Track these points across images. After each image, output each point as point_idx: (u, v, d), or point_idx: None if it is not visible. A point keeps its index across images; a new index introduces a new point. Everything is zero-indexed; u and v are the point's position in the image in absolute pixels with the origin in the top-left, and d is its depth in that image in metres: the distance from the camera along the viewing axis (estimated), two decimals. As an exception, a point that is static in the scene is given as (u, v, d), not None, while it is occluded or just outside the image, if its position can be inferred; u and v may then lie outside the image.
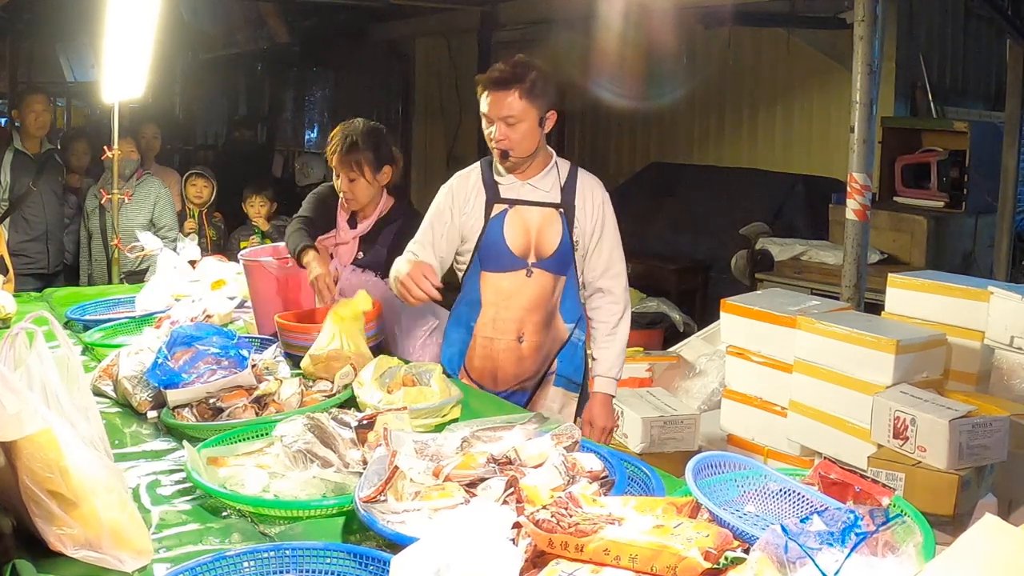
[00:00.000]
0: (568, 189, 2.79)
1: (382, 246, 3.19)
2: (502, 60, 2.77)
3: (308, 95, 11.64)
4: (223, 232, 5.91)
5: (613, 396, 2.89)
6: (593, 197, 2.81)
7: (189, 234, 5.41)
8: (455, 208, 2.81)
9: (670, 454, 3.55)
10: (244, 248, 5.17)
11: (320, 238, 3.25)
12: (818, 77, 6.57)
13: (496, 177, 2.80)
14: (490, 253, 2.78)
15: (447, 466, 1.76)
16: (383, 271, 3.12)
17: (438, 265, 2.76)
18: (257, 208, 5.87)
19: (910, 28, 6.19)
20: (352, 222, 3.25)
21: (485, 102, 2.71)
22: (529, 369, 2.84)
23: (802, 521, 1.31)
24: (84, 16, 6.92)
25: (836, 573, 1.22)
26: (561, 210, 2.77)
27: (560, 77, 2.77)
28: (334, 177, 3.19)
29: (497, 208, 2.77)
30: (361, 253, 3.22)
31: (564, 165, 2.85)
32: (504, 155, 2.72)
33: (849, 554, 1.25)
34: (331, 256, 3.20)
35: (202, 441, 2.07)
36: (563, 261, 2.79)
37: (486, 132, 2.74)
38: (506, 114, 2.65)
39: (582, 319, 2.89)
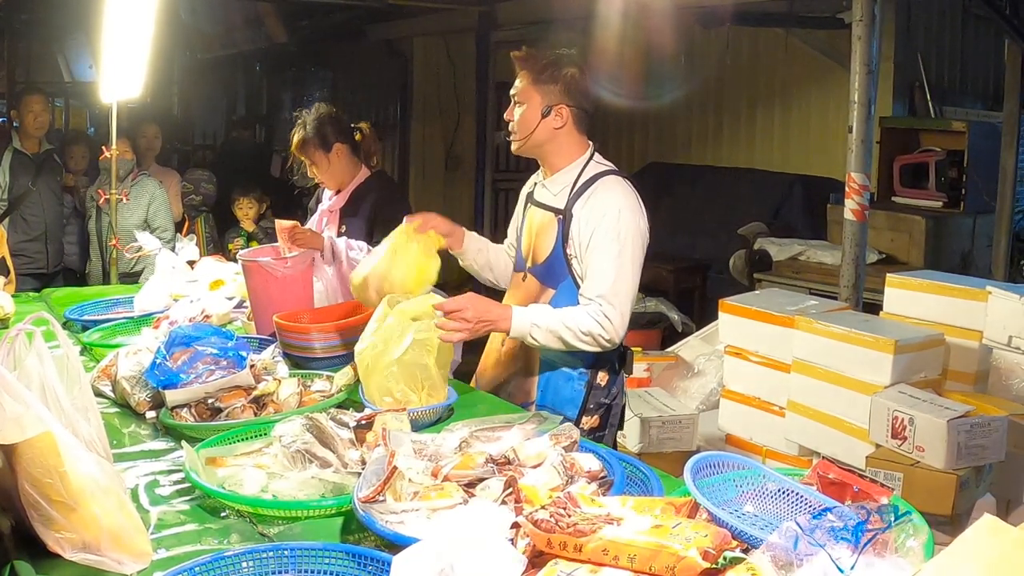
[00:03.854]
0: (576, 195, 2.56)
1: (361, 218, 3.33)
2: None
3: (306, 95, 11.62)
4: (211, 236, 5.90)
5: (506, 331, 2.47)
6: (596, 206, 2.52)
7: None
8: (520, 203, 2.83)
9: (668, 454, 3.56)
10: (232, 250, 5.19)
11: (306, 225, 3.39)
12: (816, 77, 6.57)
13: (536, 177, 2.79)
14: (517, 250, 2.78)
15: (446, 466, 1.76)
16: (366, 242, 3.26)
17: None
18: (245, 210, 5.88)
19: (908, 28, 6.19)
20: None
21: None
22: (500, 375, 2.74)
23: (815, 517, 1.31)
24: (82, 16, 6.91)
25: (852, 568, 1.23)
26: (560, 217, 2.58)
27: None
28: None
29: (528, 206, 2.74)
30: (344, 227, 3.35)
31: (594, 168, 2.61)
32: (509, 132, 2.67)
33: (863, 548, 1.25)
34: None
35: (200, 441, 2.07)
36: (552, 272, 2.60)
37: None
38: (512, 92, 2.63)
39: (582, 352, 2.55)
